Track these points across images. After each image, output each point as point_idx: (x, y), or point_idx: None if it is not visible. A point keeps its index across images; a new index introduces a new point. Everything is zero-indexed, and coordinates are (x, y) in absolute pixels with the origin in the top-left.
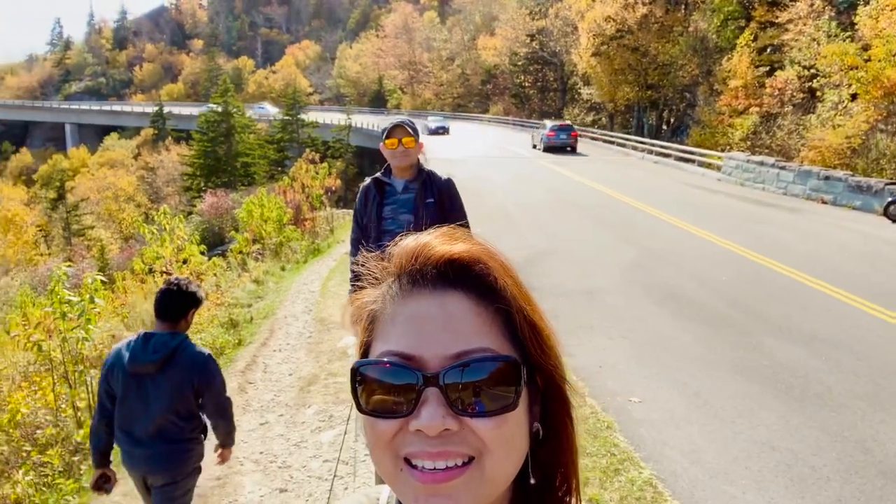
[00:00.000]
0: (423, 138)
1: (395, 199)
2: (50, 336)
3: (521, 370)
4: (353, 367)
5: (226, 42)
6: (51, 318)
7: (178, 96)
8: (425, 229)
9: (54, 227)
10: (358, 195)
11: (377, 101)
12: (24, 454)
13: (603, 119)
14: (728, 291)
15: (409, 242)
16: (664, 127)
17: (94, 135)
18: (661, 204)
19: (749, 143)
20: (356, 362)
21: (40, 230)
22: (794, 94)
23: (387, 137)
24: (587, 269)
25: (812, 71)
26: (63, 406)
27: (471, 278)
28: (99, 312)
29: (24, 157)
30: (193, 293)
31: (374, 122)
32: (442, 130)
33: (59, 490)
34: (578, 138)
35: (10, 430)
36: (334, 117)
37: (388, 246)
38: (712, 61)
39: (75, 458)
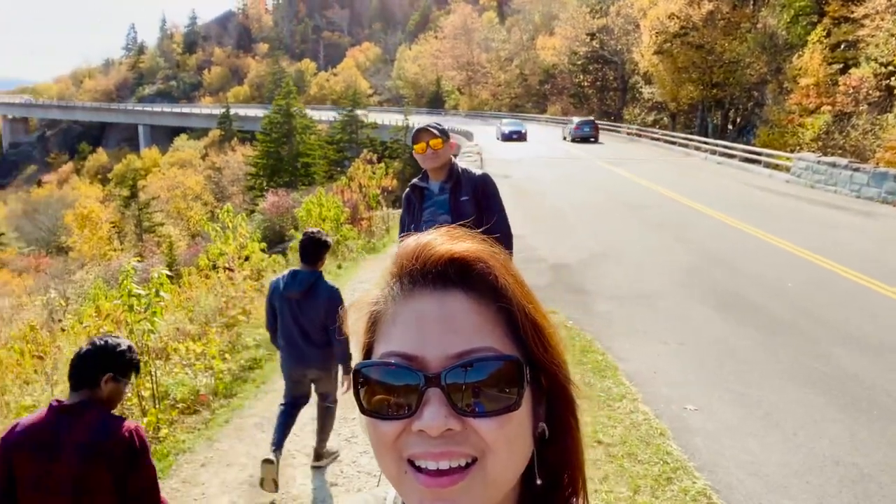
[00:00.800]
0: (495, 144)
1: (433, 202)
2: (118, 327)
3: (524, 370)
4: (354, 368)
5: (289, 45)
6: (119, 311)
7: (244, 98)
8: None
9: (127, 223)
10: (404, 197)
11: (435, 102)
12: None
13: (665, 119)
14: (793, 298)
15: (410, 243)
16: (729, 127)
17: (165, 136)
18: (723, 206)
19: (820, 143)
20: (358, 363)
21: (114, 226)
22: (870, 92)
23: (414, 143)
24: (643, 273)
25: (890, 68)
26: (129, 395)
27: (472, 277)
28: (164, 306)
29: (101, 156)
30: (326, 241)
31: (430, 122)
32: (517, 136)
33: None
34: (599, 130)
35: None
36: (393, 118)
37: None
38: (782, 58)
39: None
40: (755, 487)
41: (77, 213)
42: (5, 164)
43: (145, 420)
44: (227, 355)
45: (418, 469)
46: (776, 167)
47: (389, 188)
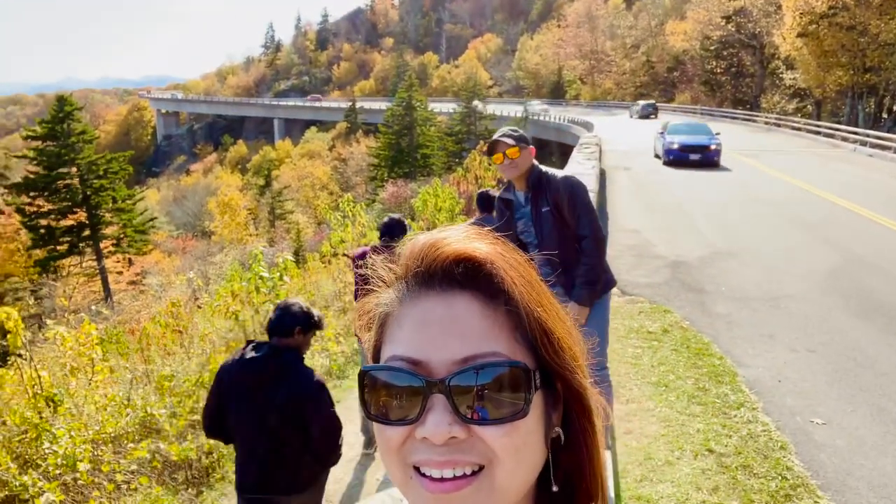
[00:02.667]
0: (617, 134)
1: (522, 213)
2: (245, 307)
3: (532, 375)
4: (360, 372)
5: (413, 39)
6: (245, 292)
7: (369, 92)
8: (545, 242)
9: (261, 210)
10: (496, 203)
11: (555, 93)
12: None
13: (808, 107)
14: None
15: (417, 243)
16: (884, 116)
17: (297, 128)
18: (873, 203)
19: None
20: (363, 367)
21: (250, 213)
22: None
23: (490, 154)
24: (773, 274)
25: None
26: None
27: (479, 279)
28: (287, 289)
29: (241, 148)
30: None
31: (552, 113)
32: (651, 109)
33: None
34: (659, 110)
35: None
36: (512, 109)
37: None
38: None
39: None
40: None
41: (219, 200)
42: (159, 155)
43: None
44: (341, 339)
45: (424, 475)
46: None
47: (506, 180)
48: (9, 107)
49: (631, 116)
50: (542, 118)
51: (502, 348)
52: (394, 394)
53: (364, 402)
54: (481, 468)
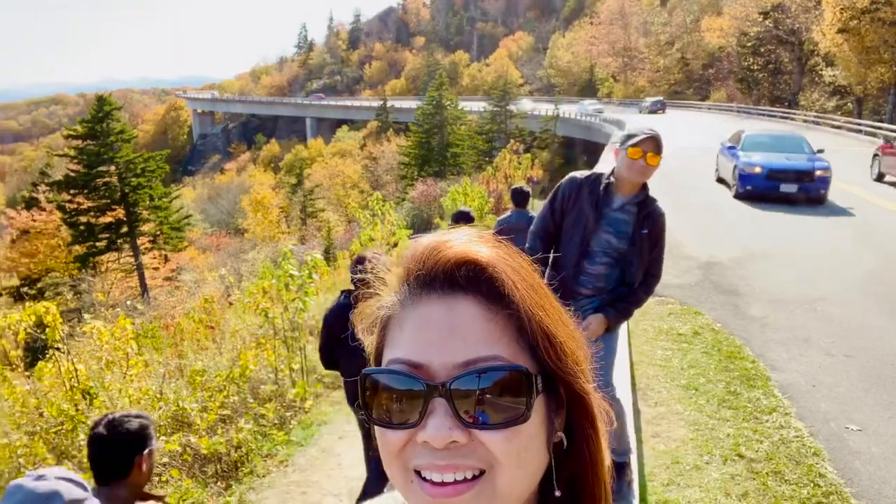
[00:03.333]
0: (639, 117)
1: (604, 214)
2: (274, 304)
3: (534, 380)
4: (361, 375)
5: (444, 37)
6: (275, 289)
7: (400, 91)
8: (636, 264)
9: (293, 208)
10: (561, 189)
11: (587, 91)
12: (248, 405)
13: (849, 104)
14: None
15: (419, 246)
16: None
17: (329, 127)
18: None
19: None
20: (364, 370)
21: (282, 211)
22: None
23: (632, 145)
24: (810, 275)
25: None
26: (282, 367)
27: (480, 283)
28: (316, 287)
29: (273, 147)
30: None
31: (569, 110)
32: (659, 106)
33: (272, 440)
34: (667, 106)
35: (241, 384)
36: (544, 107)
37: (587, 269)
38: None
39: (287, 414)
40: None
41: (252, 199)
42: (195, 154)
43: (293, 391)
44: None
45: (425, 479)
46: None
47: (536, 179)
48: (51, 106)
49: (640, 112)
50: (573, 117)
51: (504, 352)
52: (394, 397)
53: (365, 406)
54: (482, 472)
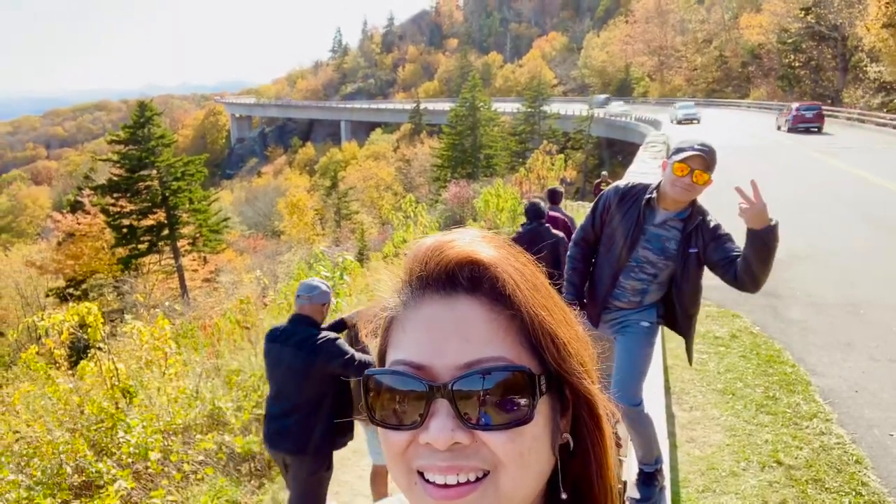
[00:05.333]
0: (687, 133)
1: (644, 229)
2: None
3: (537, 380)
4: (363, 376)
5: (477, 39)
6: None
7: (434, 93)
8: (686, 288)
9: (328, 211)
10: (604, 199)
11: (622, 90)
12: None
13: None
14: None
15: (422, 246)
16: None
17: (363, 130)
18: None
19: None
20: (367, 371)
21: (317, 213)
22: None
23: (679, 161)
24: (853, 277)
25: None
26: None
27: (483, 283)
28: (348, 288)
29: (309, 150)
30: None
31: (618, 111)
32: (688, 120)
33: None
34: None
35: None
36: (577, 108)
37: (622, 283)
38: None
39: None
40: None
41: (287, 201)
42: (233, 157)
43: None
44: None
45: (428, 480)
46: None
47: (569, 179)
48: (95, 112)
49: (671, 121)
50: (607, 117)
51: (507, 353)
52: (397, 398)
53: (368, 407)
54: (486, 474)
